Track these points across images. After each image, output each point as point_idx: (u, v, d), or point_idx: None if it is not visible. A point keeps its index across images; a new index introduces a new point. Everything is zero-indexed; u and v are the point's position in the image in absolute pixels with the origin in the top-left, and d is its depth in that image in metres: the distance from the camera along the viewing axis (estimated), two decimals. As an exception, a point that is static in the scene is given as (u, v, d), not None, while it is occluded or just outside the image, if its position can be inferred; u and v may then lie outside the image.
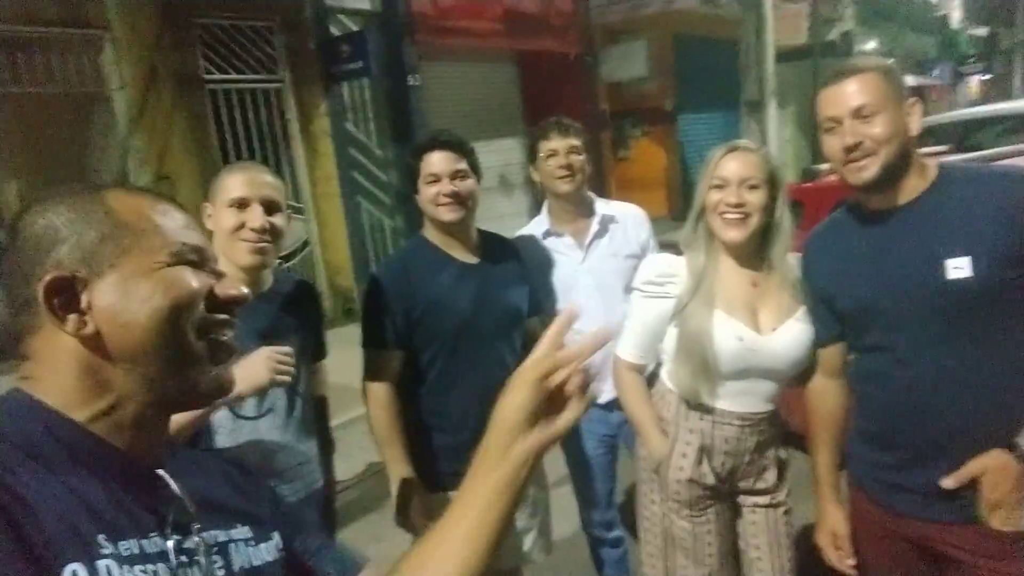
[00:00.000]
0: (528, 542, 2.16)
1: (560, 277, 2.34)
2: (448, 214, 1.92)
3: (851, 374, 1.64)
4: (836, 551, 1.71)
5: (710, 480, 1.77)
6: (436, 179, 1.92)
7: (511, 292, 2.06)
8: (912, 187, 1.45)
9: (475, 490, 0.81)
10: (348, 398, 3.11)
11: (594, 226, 2.34)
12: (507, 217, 8.43)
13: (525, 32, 8.79)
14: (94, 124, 5.56)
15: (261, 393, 1.55)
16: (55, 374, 0.71)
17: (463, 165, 1.94)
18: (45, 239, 0.71)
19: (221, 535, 0.78)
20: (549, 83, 9.31)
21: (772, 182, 1.69)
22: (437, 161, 1.92)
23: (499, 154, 9.10)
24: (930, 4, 19.42)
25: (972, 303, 1.36)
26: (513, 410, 0.81)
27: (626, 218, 2.39)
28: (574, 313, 0.85)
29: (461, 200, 1.93)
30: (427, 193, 1.94)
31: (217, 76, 5.92)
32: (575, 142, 2.28)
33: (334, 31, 6.68)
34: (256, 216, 1.60)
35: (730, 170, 1.68)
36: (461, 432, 1.96)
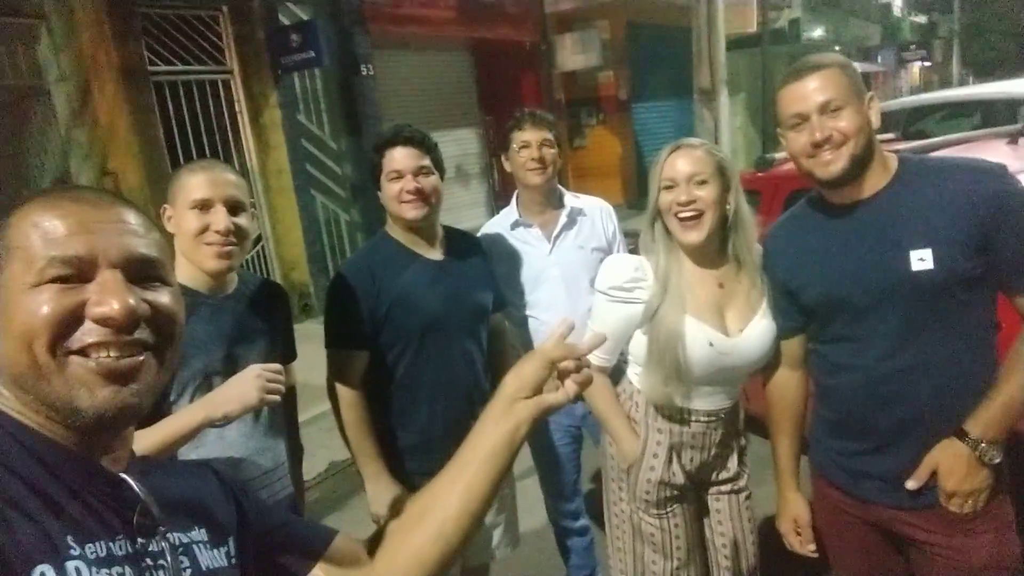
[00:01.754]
0: (496, 537, 2.17)
1: (527, 268, 2.35)
2: (411, 211, 1.89)
3: (813, 364, 1.67)
4: (797, 537, 1.75)
5: (680, 480, 1.80)
6: (399, 176, 1.89)
7: (477, 288, 2.05)
8: (875, 181, 1.47)
9: (480, 442, 0.94)
10: (308, 395, 3.05)
11: (562, 218, 2.34)
12: (464, 207, 8.42)
13: (479, 20, 8.74)
14: (33, 119, 5.34)
15: (250, 412, 1.49)
16: None
17: (426, 161, 1.91)
18: None
19: (183, 537, 0.78)
20: (504, 72, 9.29)
21: (721, 174, 1.69)
22: (400, 157, 1.89)
23: (455, 144, 9.04)
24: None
25: (935, 293, 1.39)
26: (523, 377, 0.94)
27: (594, 211, 2.41)
28: (570, 323, 0.98)
29: (424, 197, 1.89)
30: (390, 190, 1.90)
31: (162, 67, 5.73)
32: (548, 135, 2.29)
33: (284, 20, 6.53)
34: (220, 218, 1.54)
35: (676, 169, 1.68)
36: (429, 430, 1.95)
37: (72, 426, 0.71)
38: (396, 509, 1.88)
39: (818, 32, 15.12)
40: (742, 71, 12.51)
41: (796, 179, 2.99)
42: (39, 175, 5.36)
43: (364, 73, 6.99)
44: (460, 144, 9.22)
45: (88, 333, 0.70)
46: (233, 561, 0.82)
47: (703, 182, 1.66)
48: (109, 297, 0.71)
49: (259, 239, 6.50)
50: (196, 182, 1.55)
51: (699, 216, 1.66)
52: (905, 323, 1.43)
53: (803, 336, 1.67)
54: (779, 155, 3.62)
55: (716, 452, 1.82)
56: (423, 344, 1.92)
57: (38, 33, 5.06)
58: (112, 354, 0.71)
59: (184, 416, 1.39)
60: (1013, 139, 2.92)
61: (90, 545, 0.67)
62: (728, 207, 1.70)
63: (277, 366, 1.47)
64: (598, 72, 10.78)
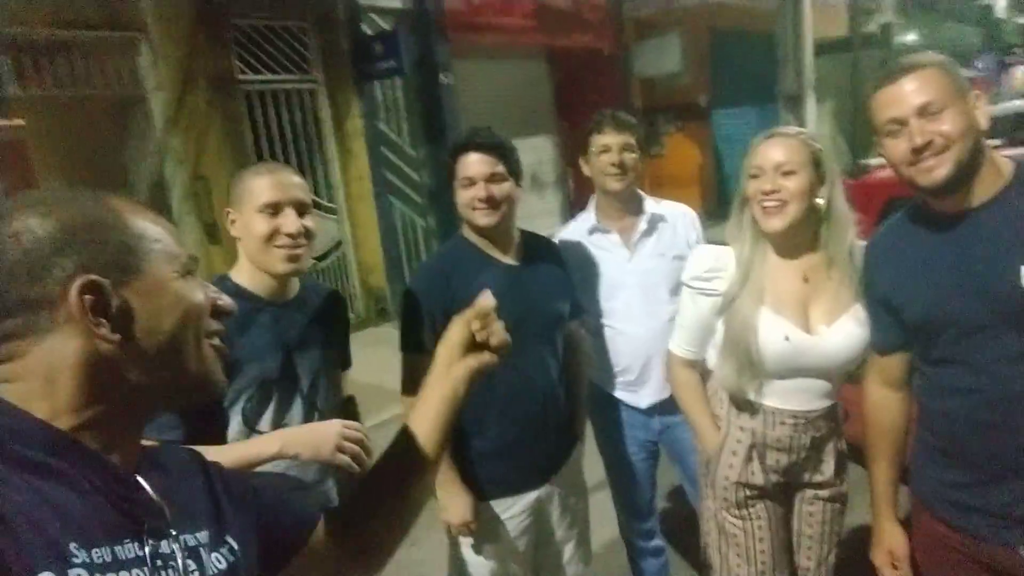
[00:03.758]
0: (567, 552, 2.11)
1: (604, 276, 2.27)
2: (483, 219, 1.86)
3: (918, 387, 1.54)
4: (894, 572, 1.62)
5: (759, 480, 1.73)
6: (471, 182, 1.85)
7: (553, 295, 2.00)
8: (986, 187, 1.34)
9: (428, 402, 1.09)
10: (381, 399, 3.09)
11: (642, 224, 2.26)
12: (539, 216, 8.39)
13: (556, 28, 8.71)
14: (131, 126, 5.63)
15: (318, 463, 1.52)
16: (47, 379, 0.70)
17: (500, 168, 1.87)
18: (58, 241, 0.70)
19: (191, 539, 0.78)
20: (581, 79, 9.23)
21: (816, 165, 1.61)
22: (473, 163, 1.86)
23: (530, 152, 9.04)
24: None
25: None
26: (449, 341, 1.09)
27: (675, 218, 2.32)
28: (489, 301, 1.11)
29: (496, 204, 1.86)
30: (462, 196, 1.88)
31: (251, 77, 5.95)
32: (630, 139, 2.21)
33: (367, 30, 6.67)
34: (291, 221, 1.54)
35: (765, 157, 1.62)
36: (502, 437, 1.92)
37: (198, 395, 0.82)
38: (469, 517, 1.87)
39: (912, 36, 14.44)
40: (830, 77, 12.01)
41: (892, 185, 2.83)
42: (136, 180, 5.64)
43: (443, 81, 7.06)
44: (535, 152, 9.21)
45: (213, 322, 0.82)
46: (233, 560, 0.82)
47: (790, 172, 1.59)
48: (222, 294, 0.85)
49: (339, 244, 6.65)
50: (263, 185, 1.56)
51: (782, 206, 1.59)
52: (1020, 344, 1.30)
53: (905, 354, 1.55)
54: (873, 161, 3.44)
55: (806, 456, 1.72)
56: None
57: (138, 46, 5.32)
58: (221, 340, 0.83)
59: (259, 444, 1.42)
60: None
61: (96, 550, 0.66)
62: (823, 200, 1.62)
63: (359, 426, 1.47)
64: (677, 79, 10.58)
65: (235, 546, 0.83)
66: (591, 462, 2.31)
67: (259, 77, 6.00)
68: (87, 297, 0.69)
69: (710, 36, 11.12)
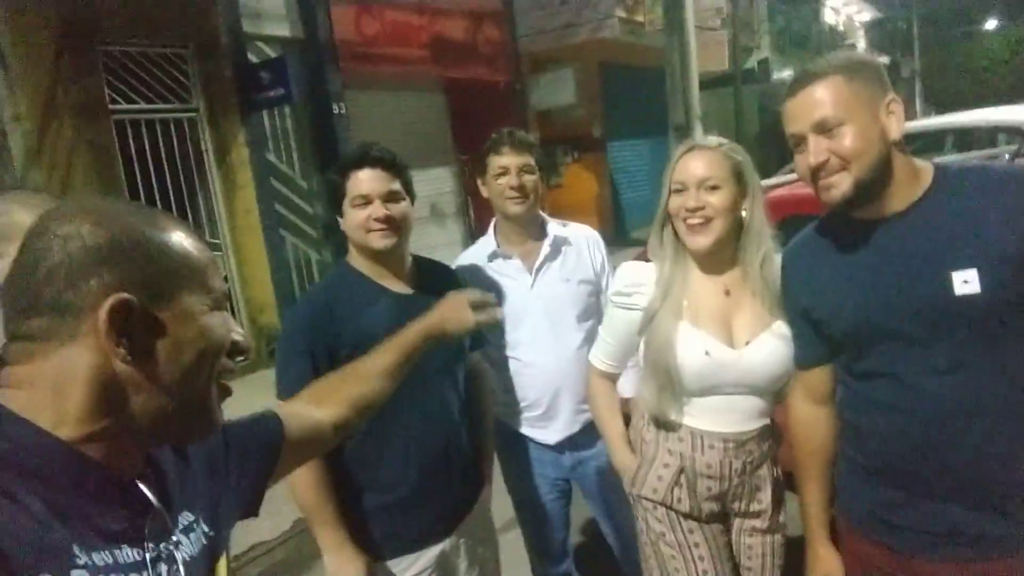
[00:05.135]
0: None
1: (507, 304, 2.10)
2: (380, 241, 1.68)
3: (843, 402, 1.46)
4: None
5: (684, 507, 1.63)
6: (366, 201, 1.68)
7: None
8: (904, 193, 1.28)
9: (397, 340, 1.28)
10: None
11: (545, 248, 2.13)
12: (440, 247, 8.27)
13: (453, 60, 8.71)
14: (-13, 159, 5.11)
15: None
16: (58, 387, 0.70)
17: (396, 185, 1.71)
18: (104, 253, 0.70)
19: (184, 535, 0.80)
20: (478, 111, 9.23)
21: (737, 179, 1.55)
22: (367, 180, 1.68)
23: (430, 183, 8.93)
24: (838, 33, 20.42)
25: (983, 321, 1.20)
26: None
27: (580, 241, 2.21)
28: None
29: (395, 225, 1.69)
30: (355, 218, 1.69)
31: (124, 106, 5.54)
32: (529, 160, 2.07)
33: (252, 58, 6.40)
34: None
35: (688, 172, 1.55)
36: (398, 488, 1.73)
37: (184, 438, 0.83)
38: None
39: (788, 72, 15.43)
40: (716, 110, 12.64)
41: (787, 204, 2.86)
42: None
43: (336, 111, 6.87)
44: (435, 183, 9.12)
45: (227, 360, 0.80)
46: (208, 536, 0.84)
47: (715, 187, 1.53)
48: (241, 332, 0.84)
49: (224, 280, 6.27)
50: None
51: (708, 222, 1.53)
52: (950, 356, 1.23)
53: (829, 368, 1.47)
54: (767, 181, 3.52)
55: (740, 481, 1.63)
56: (394, 394, 1.70)
57: (-8, 71, 4.86)
58: (231, 377, 0.82)
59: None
60: (1011, 160, 2.83)
61: (97, 553, 0.67)
62: (744, 213, 1.56)
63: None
64: (572, 111, 10.81)
65: (205, 526, 0.85)
66: (500, 500, 2.17)
67: (133, 106, 5.60)
68: (115, 316, 0.69)
69: (601, 71, 11.46)
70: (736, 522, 1.70)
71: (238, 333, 0.82)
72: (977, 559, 1.28)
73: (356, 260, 1.78)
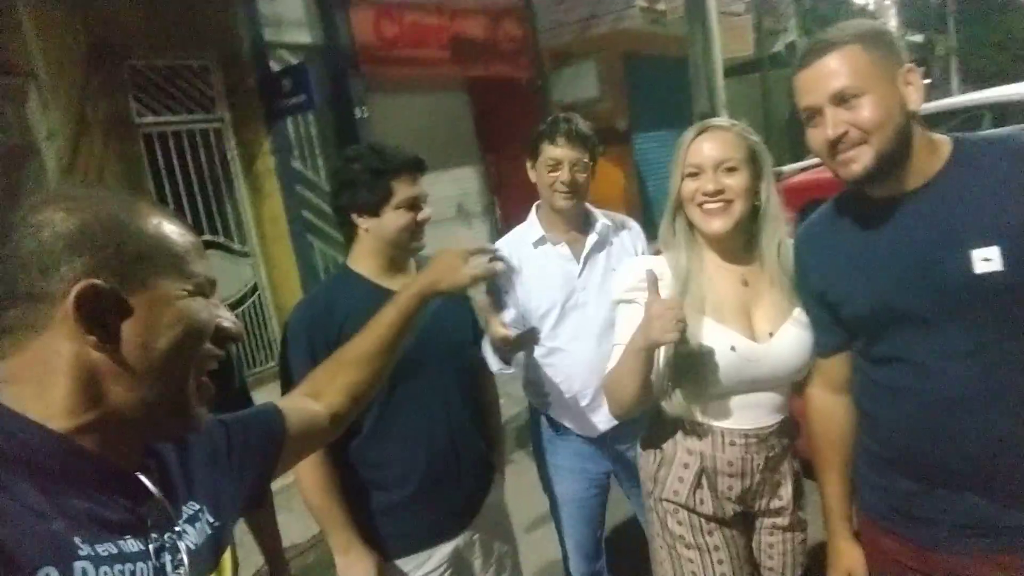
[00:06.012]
0: None
1: (554, 292, 2.07)
2: (419, 243, 1.80)
3: (859, 389, 1.41)
4: None
5: (707, 509, 1.58)
6: (414, 206, 1.73)
7: (455, 321, 1.82)
8: (922, 169, 1.22)
9: (389, 309, 1.24)
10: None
11: (592, 237, 2.11)
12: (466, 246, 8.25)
13: (474, 59, 8.69)
14: (24, 177, 5.24)
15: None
16: (42, 379, 0.70)
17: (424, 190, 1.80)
18: (74, 240, 0.70)
19: (187, 525, 0.80)
20: (501, 109, 9.20)
21: (753, 161, 1.50)
22: (417, 185, 1.75)
23: (455, 183, 8.93)
24: (868, 12, 19.91)
25: (1007, 300, 1.14)
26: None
27: (624, 231, 2.20)
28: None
29: (424, 228, 1.80)
30: (400, 221, 1.72)
31: (151, 119, 5.64)
32: (584, 156, 2.04)
33: (275, 66, 6.46)
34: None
35: (703, 154, 1.49)
36: (405, 486, 1.72)
37: (165, 434, 0.80)
38: None
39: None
40: (742, 97, 12.41)
41: (809, 188, 2.79)
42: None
43: (359, 116, 6.89)
44: (460, 183, 9.10)
45: (211, 346, 0.78)
46: (213, 526, 0.84)
47: (732, 169, 1.47)
48: (231, 318, 0.81)
49: (255, 288, 6.34)
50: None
51: (727, 205, 1.47)
52: (972, 338, 1.18)
53: (848, 355, 1.42)
54: (786, 168, 3.45)
55: (761, 478, 1.58)
56: (395, 388, 1.67)
57: (27, 91, 4.98)
58: (215, 366, 0.80)
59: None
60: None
61: (100, 544, 0.68)
62: (762, 198, 1.50)
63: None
64: (596, 104, 10.71)
65: (210, 516, 0.85)
66: (526, 498, 2.14)
67: (159, 119, 5.70)
68: (84, 301, 0.68)
69: (624, 62, 11.32)
70: (757, 522, 1.65)
71: (226, 319, 0.80)
72: (999, 550, 1.22)
73: (357, 262, 1.78)
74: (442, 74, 8.45)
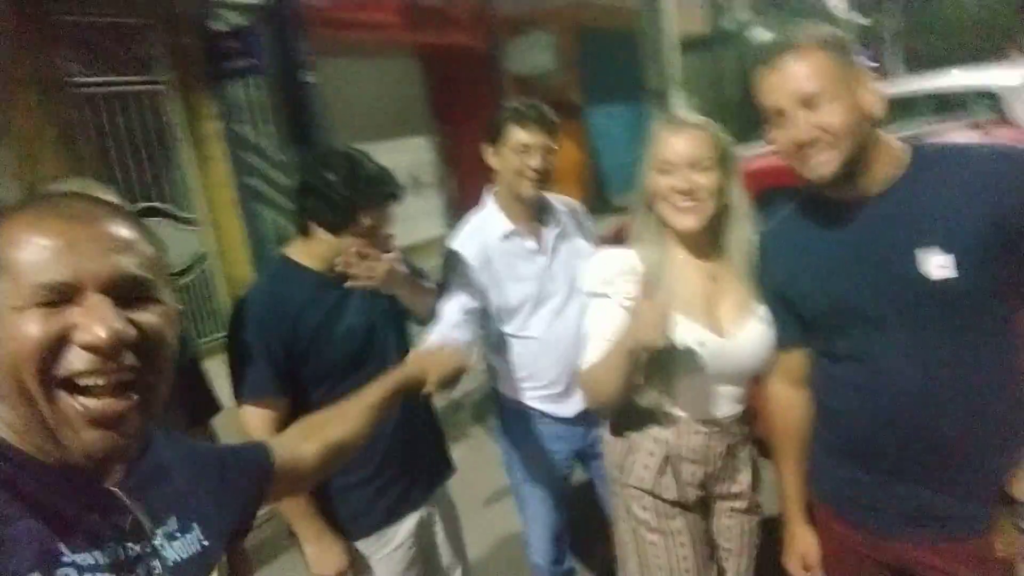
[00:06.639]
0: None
1: (526, 284, 2.07)
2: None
3: (816, 382, 1.48)
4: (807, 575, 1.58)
5: (671, 494, 1.63)
6: (373, 234, 1.69)
7: (399, 310, 1.85)
8: (882, 174, 1.28)
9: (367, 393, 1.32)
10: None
11: (555, 226, 2.11)
12: (419, 217, 8.19)
13: (426, 25, 8.53)
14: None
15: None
16: None
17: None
18: None
19: (164, 531, 0.80)
20: (455, 78, 9.09)
21: (724, 160, 1.52)
22: (374, 219, 1.70)
23: (407, 153, 8.80)
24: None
25: (958, 305, 1.21)
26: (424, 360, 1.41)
27: (575, 213, 2.21)
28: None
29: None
30: (356, 247, 1.67)
31: (89, 79, 5.39)
32: (553, 143, 2.01)
33: (220, 27, 6.23)
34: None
35: (676, 151, 1.50)
36: (366, 466, 1.73)
37: (60, 459, 0.73)
38: (343, 565, 1.70)
39: (769, 35, 15.28)
40: (695, 75, 12.50)
41: (767, 175, 2.82)
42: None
43: (306, 80, 6.71)
44: (412, 153, 8.98)
45: (75, 360, 0.70)
46: (203, 544, 0.85)
47: (705, 168, 1.49)
48: (95, 324, 0.70)
49: (203, 257, 6.18)
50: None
51: (699, 204, 1.50)
52: (924, 339, 1.25)
53: (806, 349, 1.49)
54: (743, 152, 3.48)
55: (722, 465, 1.65)
56: (348, 376, 1.67)
57: (-52, 49, 4.69)
58: (99, 382, 0.71)
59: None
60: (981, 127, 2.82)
61: (80, 554, 0.69)
62: (731, 197, 1.54)
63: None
64: (550, 77, 10.66)
65: (201, 533, 0.85)
66: (482, 473, 2.16)
67: (99, 79, 5.44)
68: None
69: (580, 35, 11.28)
70: (715, 505, 1.72)
71: (85, 331, 0.70)
72: (946, 539, 1.31)
73: (296, 251, 1.75)
74: (393, 39, 8.28)
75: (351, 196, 1.64)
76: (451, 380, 1.44)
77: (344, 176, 1.64)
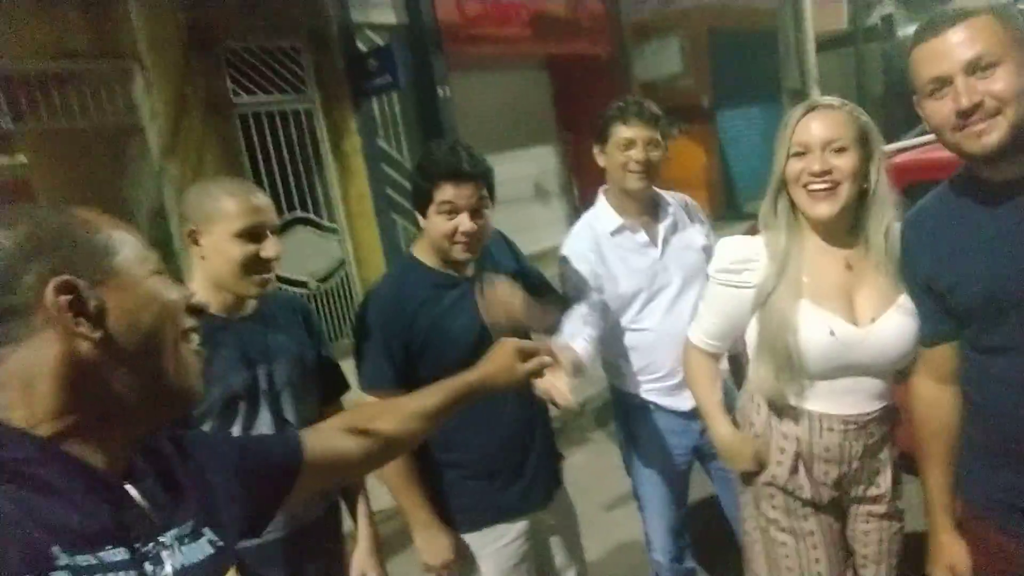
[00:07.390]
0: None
1: (639, 278, 2.10)
2: (462, 253, 1.72)
3: (968, 378, 1.37)
4: None
5: (805, 494, 1.56)
6: (453, 211, 1.67)
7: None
8: None
9: (442, 386, 1.25)
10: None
11: (668, 218, 2.13)
12: (543, 226, 8.27)
13: (554, 36, 8.63)
14: (129, 155, 5.57)
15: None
16: (24, 387, 0.70)
17: (484, 193, 1.71)
18: (26, 250, 0.71)
19: (175, 533, 0.79)
20: (581, 86, 9.13)
21: (863, 142, 1.45)
22: (454, 195, 1.67)
23: (533, 162, 8.94)
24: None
25: None
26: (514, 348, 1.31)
27: (688, 207, 2.21)
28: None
29: (479, 240, 1.72)
30: (441, 227, 1.68)
31: (246, 99, 5.89)
32: (655, 134, 2.04)
33: (361, 47, 6.61)
34: (270, 245, 1.51)
35: (811, 133, 1.44)
36: (478, 464, 1.79)
37: (170, 408, 0.82)
38: (450, 556, 1.75)
39: (914, 28, 14.24)
40: (835, 72, 11.87)
41: (912, 170, 2.65)
42: (136, 209, 5.59)
43: (441, 95, 6.99)
44: (538, 162, 9.10)
45: (188, 319, 0.83)
46: (217, 545, 0.83)
47: (842, 149, 1.42)
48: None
49: (342, 263, 6.57)
50: (238, 208, 1.47)
51: (834, 188, 1.42)
52: None
53: (955, 344, 1.37)
54: (889, 147, 3.30)
55: (859, 465, 1.55)
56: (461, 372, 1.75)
57: (132, 73, 5.27)
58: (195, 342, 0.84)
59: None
60: None
61: (81, 555, 0.67)
62: (871, 181, 1.45)
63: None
64: (678, 80, 10.47)
65: (214, 535, 0.84)
66: (606, 478, 2.17)
67: (254, 99, 5.93)
68: (63, 297, 0.70)
69: (709, 36, 11.00)
70: (852, 508, 1.62)
71: (189, 292, 0.84)
72: None
73: (421, 251, 1.80)
74: (522, 52, 8.44)
75: (420, 172, 1.73)
76: (523, 380, 1.35)
77: (420, 159, 1.77)
